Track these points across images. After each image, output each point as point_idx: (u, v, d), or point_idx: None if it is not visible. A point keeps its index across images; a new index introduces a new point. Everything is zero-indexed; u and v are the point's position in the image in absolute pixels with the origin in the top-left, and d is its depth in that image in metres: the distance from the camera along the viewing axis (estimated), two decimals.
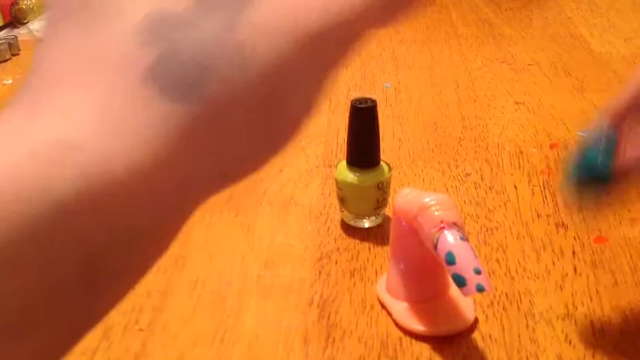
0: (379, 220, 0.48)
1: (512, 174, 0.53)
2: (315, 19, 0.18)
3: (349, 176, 0.46)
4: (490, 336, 0.38)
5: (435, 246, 0.35)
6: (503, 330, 0.38)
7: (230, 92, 0.17)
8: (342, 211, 0.48)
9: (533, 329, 0.38)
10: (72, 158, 0.16)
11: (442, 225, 0.36)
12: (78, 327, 0.18)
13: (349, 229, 0.47)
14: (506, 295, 0.41)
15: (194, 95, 0.17)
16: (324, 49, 0.19)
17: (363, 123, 0.45)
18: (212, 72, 0.17)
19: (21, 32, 0.87)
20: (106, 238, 0.17)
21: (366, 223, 0.47)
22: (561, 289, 0.41)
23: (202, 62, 0.17)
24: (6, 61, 0.80)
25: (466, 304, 0.39)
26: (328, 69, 0.20)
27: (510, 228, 0.47)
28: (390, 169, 0.47)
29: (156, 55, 0.17)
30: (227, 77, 0.17)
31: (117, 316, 0.40)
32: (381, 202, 0.47)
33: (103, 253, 0.17)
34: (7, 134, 0.17)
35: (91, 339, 0.36)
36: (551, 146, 0.57)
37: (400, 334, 0.38)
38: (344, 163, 0.46)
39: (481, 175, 0.53)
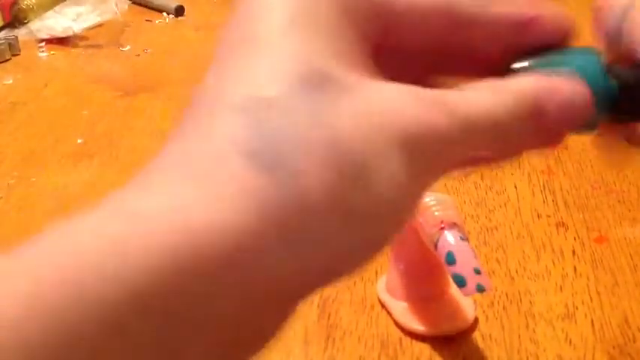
0: None
1: (512, 174, 0.53)
2: (406, 125, 0.18)
3: None
4: (490, 336, 0.38)
5: (435, 246, 0.35)
6: (503, 330, 0.38)
7: (315, 175, 0.17)
8: None
9: (534, 329, 0.38)
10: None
11: (442, 225, 0.36)
12: None
13: None
14: (507, 295, 0.41)
15: (285, 172, 0.16)
16: (415, 156, 0.18)
17: None
18: (299, 154, 0.16)
19: (21, 32, 0.87)
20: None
21: None
22: (561, 289, 0.41)
23: (292, 145, 0.17)
24: (6, 61, 0.80)
25: (466, 304, 0.39)
26: (425, 168, 0.18)
27: (510, 228, 0.47)
28: None
29: (257, 136, 0.17)
30: (313, 160, 0.17)
31: None
32: None
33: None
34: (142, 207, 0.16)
35: None
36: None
37: (400, 334, 0.38)
38: None
39: (481, 175, 0.53)
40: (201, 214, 0.16)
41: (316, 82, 0.18)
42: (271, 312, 0.18)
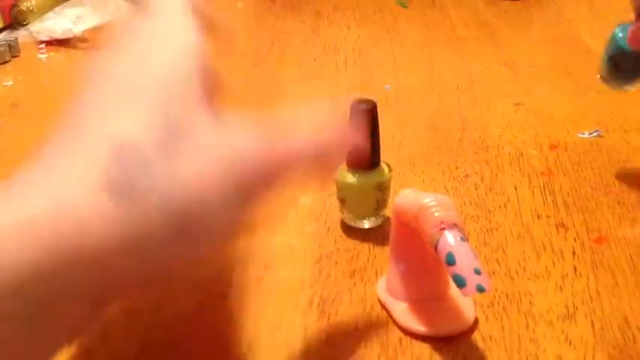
0: (379, 221, 0.48)
1: (512, 175, 0.53)
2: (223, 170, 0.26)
3: (349, 177, 0.46)
4: (490, 336, 0.38)
5: (436, 247, 0.35)
6: (503, 330, 0.38)
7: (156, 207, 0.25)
8: (342, 212, 0.48)
9: (534, 330, 0.38)
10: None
11: (442, 226, 0.36)
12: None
13: (349, 230, 0.47)
14: (507, 295, 0.41)
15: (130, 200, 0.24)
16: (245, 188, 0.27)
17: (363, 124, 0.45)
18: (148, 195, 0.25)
19: (21, 34, 0.87)
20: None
21: (367, 224, 0.47)
22: (561, 289, 0.41)
23: (145, 188, 0.25)
24: (6, 62, 0.80)
25: (466, 305, 0.39)
26: (247, 202, 0.28)
27: (510, 229, 0.47)
28: (390, 170, 0.47)
29: (118, 175, 0.24)
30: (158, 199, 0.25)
31: (117, 316, 0.40)
32: (381, 203, 0.47)
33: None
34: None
35: (90, 338, 0.36)
36: (551, 147, 0.57)
37: (400, 334, 0.38)
38: (344, 164, 0.46)
39: (481, 176, 0.53)
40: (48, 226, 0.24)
41: (173, 139, 0.25)
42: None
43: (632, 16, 0.46)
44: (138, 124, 0.25)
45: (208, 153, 0.26)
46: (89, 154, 0.25)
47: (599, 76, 0.49)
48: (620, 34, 0.48)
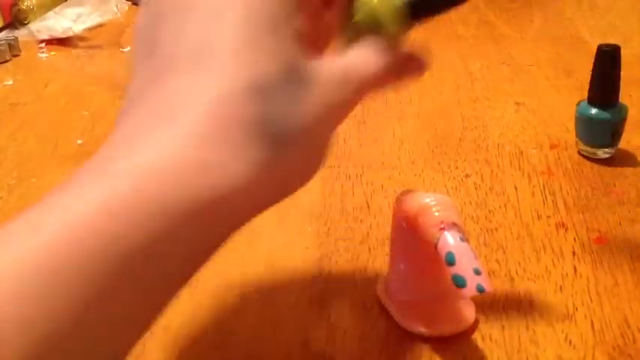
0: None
1: (512, 175, 0.53)
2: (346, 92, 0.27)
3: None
4: (490, 336, 0.38)
5: (435, 246, 0.35)
6: (503, 330, 0.38)
7: (299, 143, 0.25)
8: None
9: (534, 330, 0.38)
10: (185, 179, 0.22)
11: (442, 225, 0.36)
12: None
13: (349, 230, 0.47)
14: (507, 295, 0.41)
15: (281, 147, 0.24)
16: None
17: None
18: (287, 134, 0.24)
19: (21, 33, 0.87)
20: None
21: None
22: (561, 289, 0.41)
23: (288, 124, 0.24)
24: (6, 61, 0.80)
25: (466, 305, 0.39)
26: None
27: (510, 229, 0.47)
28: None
29: (260, 112, 0.24)
30: (299, 134, 0.25)
31: None
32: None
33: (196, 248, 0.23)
34: (125, 156, 0.23)
35: None
36: (552, 147, 0.57)
37: (400, 334, 0.38)
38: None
39: (481, 176, 0.53)
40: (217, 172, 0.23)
41: (295, 77, 0.25)
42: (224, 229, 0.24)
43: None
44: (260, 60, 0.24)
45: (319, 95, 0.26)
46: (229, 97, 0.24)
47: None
48: None
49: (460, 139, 0.59)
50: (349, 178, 0.53)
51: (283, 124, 0.24)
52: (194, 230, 0.22)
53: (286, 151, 0.24)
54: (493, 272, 0.43)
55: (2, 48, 0.80)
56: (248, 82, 0.23)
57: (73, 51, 0.84)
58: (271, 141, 0.23)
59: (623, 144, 0.55)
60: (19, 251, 0.19)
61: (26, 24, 0.89)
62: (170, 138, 0.22)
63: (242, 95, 0.23)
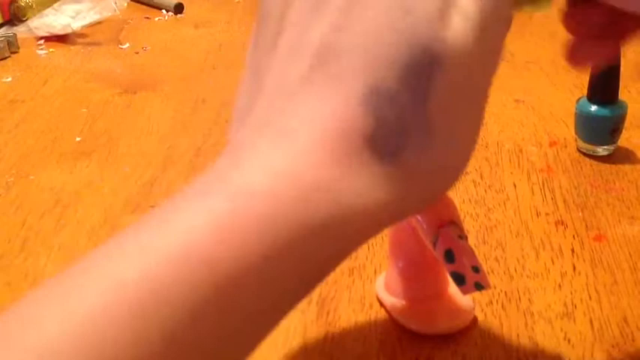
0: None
1: (511, 172, 0.53)
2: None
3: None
4: (489, 334, 0.38)
5: (434, 244, 0.35)
6: (502, 328, 0.38)
7: (418, 158, 0.22)
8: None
9: (532, 328, 0.38)
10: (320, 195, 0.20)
11: (441, 223, 0.36)
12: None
13: None
14: (505, 293, 0.41)
15: (399, 159, 0.21)
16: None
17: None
18: (410, 140, 0.21)
19: (20, 30, 0.87)
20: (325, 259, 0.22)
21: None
22: (560, 287, 0.41)
23: (404, 131, 0.21)
24: (5, 58, 0.80)
25: (465, 303, 0.39)
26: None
27: (509, 226, 0.47)
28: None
29: (374, 124, 0.21)
30: (417, 146, 0.22)
31: None
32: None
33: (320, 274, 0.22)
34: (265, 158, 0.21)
35: None
36: (551, 144, 0.57)
37: (399, 332, 0.38)
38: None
39: (480, 174, 0.53)
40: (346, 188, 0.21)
41: (419, 73, 0.21)
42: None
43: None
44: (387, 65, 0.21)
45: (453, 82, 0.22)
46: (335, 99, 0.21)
47: None
48: None
49: None
50: None
51: (401, 132, 0.21)
52: (314, 247, 0.20)
53: (411, 161, 0.21)
54: (492, 270, 0.43)
55: (1, 45, 0.80)
56: (366, 88, 0.21)
57: (72, 48, 0.83)
58: (387, 154, 0.21)
59: (622, 141, 0.55)
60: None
61: (25, 21, 0.89)
62: (284, 157, 0.21)
63: (356, 104, 0.21)
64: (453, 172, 0.23)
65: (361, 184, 0.21)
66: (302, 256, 0.20)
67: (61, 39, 0.85)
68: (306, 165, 0.20)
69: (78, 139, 0.61)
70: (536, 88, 0.67)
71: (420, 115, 0.21)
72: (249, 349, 0.21)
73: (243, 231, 0.19)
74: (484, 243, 0.45)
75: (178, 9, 0.93)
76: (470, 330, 0.38)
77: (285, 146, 0.21)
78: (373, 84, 0.21)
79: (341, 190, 0.20)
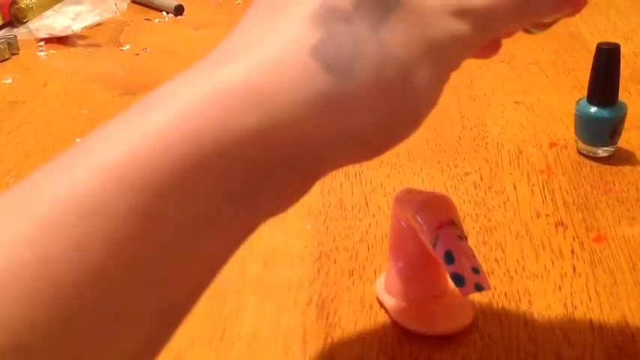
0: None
1: (511, 173, 0.53)
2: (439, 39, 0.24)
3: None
4: (489, 335, 0.38)
5: (434, 245, 0.35)
6: (501, 329, 0.38)
7: (368, 79, 0.23)
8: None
9: (532, 329, 0.38)
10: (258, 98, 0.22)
11: (441, 224, 0.36)
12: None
13: (348, 229, 0.47)
14: (505, 294, 0.41)
15: (345, 76, 0.22)
16: (448, 53, 0.24)
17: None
18: (359, 61, 0.22)
19: (20, 31, 0.87)
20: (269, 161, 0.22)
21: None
22: (560, 288, 0.41)
23: (354, 52, 0.22)
24: (5, 60, 0.80)
25: (465, 304, 0.39)
26: (448, 69, 0.25)
27: (509, 227, 0.47)
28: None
29: (320, 38, 0.22)
30: (368, 67, 0.23)
31: None
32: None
33: (264, 177, 0.23)
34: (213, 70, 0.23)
35: None
36: (551, 145, 0.57)
37: (399, 333, 0.38)
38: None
39: (480, 175, 0.53)
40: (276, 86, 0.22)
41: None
42: (301, 179, 0.24)
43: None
44: None
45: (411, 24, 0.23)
46: (289, 27, 0.23)
47: None
48: None
49: (459, 137, 0.59)
50: (348, 177, 0.53)
51: (346, 52, 0.23)
52: (256, 150, 0.22)
53: (355, 83, 0.23)
54: (492, 271, 0.43)
55: (1, 46, 0.80)
56: (320, 6, 0.23)
57: (72, 49, 0.83)
58: (333, 71, 0.22)
59: (622, 142, 0.55)
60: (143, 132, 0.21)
61: (25, 22, 0.89)
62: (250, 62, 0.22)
63: (308, 19, 0.23)
64: (409, 103, 0.25)
65: (302, 96, 0.22)
66: (245, 157, 0.22)
67: (61, 40, 0.85)
68: (257, 74, 0.22)
69: (78, 140, 0.61)
70: (536, 89, 0.67)
71: (374, 38, 0.23)
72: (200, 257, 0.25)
73: (200, 124, 0.21)
74: (484, 244, 0.45)
75: (178, 11, 0.93)
76: (470, 331, 0.38)
77: (243, 58, 0.23)
78: (326, 2, 0.23)
79: (281, 98, 0.22)
